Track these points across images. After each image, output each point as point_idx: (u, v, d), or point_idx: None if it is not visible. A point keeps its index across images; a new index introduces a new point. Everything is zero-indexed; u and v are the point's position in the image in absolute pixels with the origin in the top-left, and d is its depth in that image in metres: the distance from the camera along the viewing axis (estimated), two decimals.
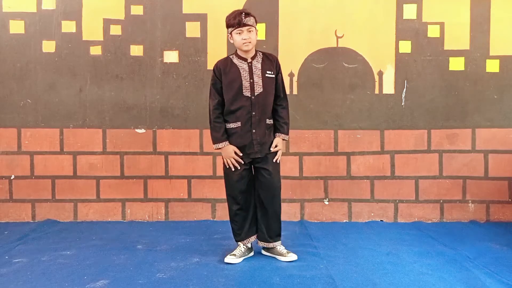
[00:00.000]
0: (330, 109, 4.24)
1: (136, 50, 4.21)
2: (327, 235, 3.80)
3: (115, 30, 4.20)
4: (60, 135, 4.22)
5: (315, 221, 4.24)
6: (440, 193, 4.26)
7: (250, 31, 3.08)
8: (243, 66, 3.15)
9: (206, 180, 4.26)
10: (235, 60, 3.17)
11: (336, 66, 4.22)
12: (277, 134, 3.24)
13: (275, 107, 3.24)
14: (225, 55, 4.20)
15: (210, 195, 4.26)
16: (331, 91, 4.23)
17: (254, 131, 3.14)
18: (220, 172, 4.21)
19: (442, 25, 4.21)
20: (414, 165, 4.26)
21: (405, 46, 4.22)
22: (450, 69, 4.23)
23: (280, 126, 3.24)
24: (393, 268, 3.06)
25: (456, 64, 4.23)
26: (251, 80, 3.14)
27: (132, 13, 4.20)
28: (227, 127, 3.17)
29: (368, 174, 4.26)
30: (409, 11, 4.21)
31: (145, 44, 4.21)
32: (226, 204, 4.25)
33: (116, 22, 4.20)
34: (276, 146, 3.21)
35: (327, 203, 4.28)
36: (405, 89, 4.24)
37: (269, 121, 3.22)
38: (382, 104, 4.24)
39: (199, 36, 4.21)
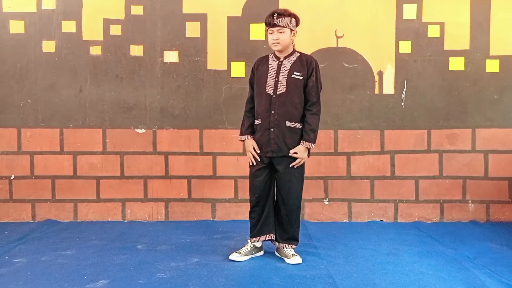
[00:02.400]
0: (330, 109, 4.23)
1: (136, 50, 4.21)
2: (327, 235, 3.80)
3: (115, 30, 4.20)
4: (60, 135, 4.22)
5: (315, 221, 4.24)
6: (440, 193, 4.26)
7: (281, 32, 3.09)
8: (273, 65, 3.19)
9: (206, 180, 4.25)
10: (271, 58, 3.23)
11: (336, 66, 4.22)
12: (302, 141, 3.13)
13: (304, 112, 3.16)
14: (225, 55, 4.23)
15: (210, 195, 4.26)
16: (331, 91, 4.22)
17: (272, 130, 3.12)
18: (220, 172, 4.23)
19: (442, 25, 4.21)
20: (414, 165, 4.26)
21: (405, 46, 4.22)
22: (450, 69, 4.23)
23: (305, 132, 3.12)
24: (393, 268, 3.06)
25: (456, 64, 4.23)
26: (276, 79, 3.14)
27: (132, 13, 4.20)
28: (254, 123, 3.25)
29: (368, 174, 4.26)
30: (409, 11, 4.21)
31: (145, 44, 4.21)
32: (226, 204, 4.29)
33: (116, 22, 4.19)
34: (295, 153, 3.11)
35: (327, 203, 4.28)
36: (405, 89, 4.24)
37: (292, 124, 3.13)
38: (382, 104, 4.24)
39: (199, 36, 4.21)
